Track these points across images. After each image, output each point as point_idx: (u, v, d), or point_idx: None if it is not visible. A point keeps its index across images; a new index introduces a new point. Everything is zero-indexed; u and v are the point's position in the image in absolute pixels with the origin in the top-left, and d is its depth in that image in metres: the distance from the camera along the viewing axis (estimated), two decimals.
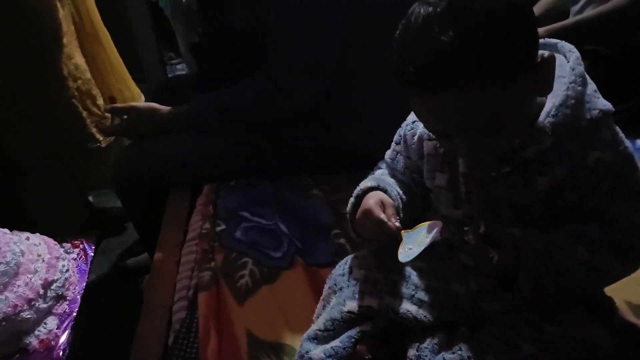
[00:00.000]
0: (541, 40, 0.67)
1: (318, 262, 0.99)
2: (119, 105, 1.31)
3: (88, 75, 1.66)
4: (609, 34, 1.30)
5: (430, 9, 0.58)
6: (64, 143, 1.61)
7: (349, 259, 0.82)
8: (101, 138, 1.68)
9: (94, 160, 1.72)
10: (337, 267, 0.83)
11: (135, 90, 1.99)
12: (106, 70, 1.82)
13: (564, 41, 0.70)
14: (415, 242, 0.70)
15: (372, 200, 0.77)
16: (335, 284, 0.79)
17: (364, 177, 0.89)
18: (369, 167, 0.93)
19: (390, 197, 0.79)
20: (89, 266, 1.07)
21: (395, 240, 0.72)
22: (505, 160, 0.68)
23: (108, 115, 1.40)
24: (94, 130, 1.65)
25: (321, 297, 0.82)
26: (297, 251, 1.01)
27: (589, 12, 1.30)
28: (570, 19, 1.34)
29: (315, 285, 0.92)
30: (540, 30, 1.22)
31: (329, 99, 1.17)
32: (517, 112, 0.62)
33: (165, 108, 1.28)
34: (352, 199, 0.83)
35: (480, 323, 0.70)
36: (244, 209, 1.13)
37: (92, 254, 1.10)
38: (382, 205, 0.76)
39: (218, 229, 1.09)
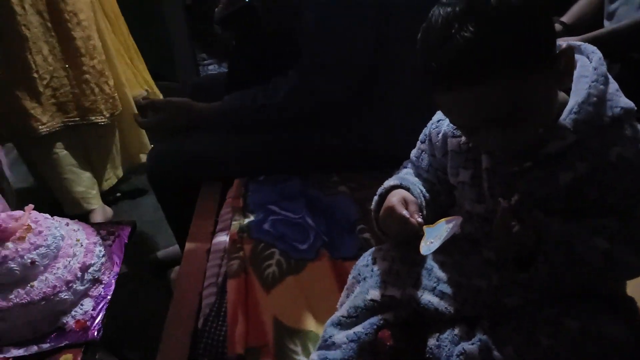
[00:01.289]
0: (564, 43, 0.69)
1: (343, 255, 1.01)
2: (156, 99, 1.36)
3: (104, 57, 1.83)
4: None
5: (449, 9, 0.62)
6: (74, 114, 1.79)
7: (372, 251, 0.85)
8: (107, 114, 1.83)
9: (98, 134, 1.88)
10: (361, 258, 0.85)
11: (150, 80, 2.12)
12: (112, 58, 1.94)
13: (587, 43, 0.72)
14: (436, 236, 0.72)
15: (395, 198, 0.79)
16: (359, 274, 0.82)
17: (389, 175, 0.91)
18: (395, 167, 0.95)
19: (413, 194, 0.81)
20: (123, 253, 1.11)
21: (417, 235, 0.74)
22: (527, 155, 0.69)
23: (144, 102, 1.46)
24: (102, 107, 1.81)
25: (345, 287, 0.85)
26: (323, 244, 1.04)
27: (623, 22, 1.30)
28: (605, 29, 1.33)
29: (340, 277, 0.94)
30: (575, 38, 1.22)
31: (357, 99, 1.19)
32: (539, 103, 0.64)
33: (200, 104, 1.32)
34: (376, 197, 0.85)
35: (501, 318, 0.72)
36: (273, 203, 1.16)
37: (126, 242, 1.14)
38: (405, 203, 0.78)
39: (247, 220, 1.12)
